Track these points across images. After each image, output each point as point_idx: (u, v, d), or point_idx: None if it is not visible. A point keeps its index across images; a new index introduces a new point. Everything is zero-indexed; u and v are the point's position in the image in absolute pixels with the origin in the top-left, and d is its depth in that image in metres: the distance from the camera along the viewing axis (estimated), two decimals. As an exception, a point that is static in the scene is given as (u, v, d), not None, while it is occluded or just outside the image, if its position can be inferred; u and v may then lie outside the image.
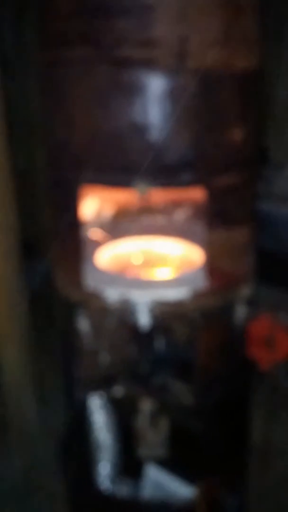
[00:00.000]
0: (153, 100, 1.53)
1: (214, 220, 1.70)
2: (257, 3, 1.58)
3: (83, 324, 1.79)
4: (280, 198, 3.02)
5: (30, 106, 4.30)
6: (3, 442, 2.88)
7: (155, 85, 1.51)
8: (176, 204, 2.27)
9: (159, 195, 2.21)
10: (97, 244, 2.12)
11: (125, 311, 1.73)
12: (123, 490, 2.16)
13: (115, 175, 1.64)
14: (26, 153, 4.38)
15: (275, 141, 3.44)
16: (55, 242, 1.92)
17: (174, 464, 2.13)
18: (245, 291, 1.89)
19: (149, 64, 1.49)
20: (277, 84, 3.09)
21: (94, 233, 2.19)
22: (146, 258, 2.17)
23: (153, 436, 2.15)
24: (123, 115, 1.56)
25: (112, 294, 1.75)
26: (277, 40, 2.91)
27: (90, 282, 1.79)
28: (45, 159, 4.32)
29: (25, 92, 4.28)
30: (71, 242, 1.82)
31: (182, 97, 1.53)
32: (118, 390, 1.89)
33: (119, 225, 2.28)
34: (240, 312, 1.88)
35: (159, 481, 2.11)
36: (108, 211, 2.24)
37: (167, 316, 1.73)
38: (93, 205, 2.17)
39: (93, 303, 1.77)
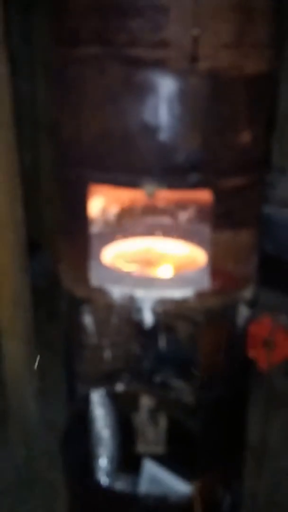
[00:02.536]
0: (163, 101, 1.50)
1: (219, 222, 1.67)
2: (270, 8, 1.55)
3: (87, 320, 1.77)
4: (282, 203, 3.01)
5: (37, 104, 4.30)
6: (4, 434, 2.86)
7: (166, 85, 1.48)
8: (181, 205, 2.24)
9: (164, 195, 2.18)
10: (102, 241, 2.10)
11: (129, 308, 1.71)
12: (121, 484, 2.14)
13: (123, 175, 1.62)
14: (32, 150, 4.37)
15: (278, 146, 3.42)
16: (61, 239, 1.90)
17: (172, 460, 2.11)
18: (248, 292, 1.86)
19: (161, 64, 1.46)
20: (279, 88, 3.06)
21: (99, 231, 2.17)
22: (151, 257, 2.15)
23: (152, 432, 2.13)
24: (132, 115, 1.54)
25: (117, 291, 1.72)
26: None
27: (95, 278, 1.77)
28: (50, 156, 4.34)
29: (32, 90, 4.27)
30: (76, 239, 1.80)
31: (193, 99, 1.50)
32: (120, 386, 1.86)
33: (124, 224, 2.25)
34: (242, 313, 1.85)
35: (156, 476, 2.09)
36: (113, 210, 2.22)
37: (170, 314, 1.71)
38: (98, 203, 2.14)
39: (98, 300, 1.74)
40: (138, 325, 1.72)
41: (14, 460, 2.77)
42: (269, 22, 1.57)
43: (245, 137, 1.62)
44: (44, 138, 4.35)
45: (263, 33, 1.55)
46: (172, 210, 2.25)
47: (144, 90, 1.49)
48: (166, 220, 2.27)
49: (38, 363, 2.89)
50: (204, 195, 1.71)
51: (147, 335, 1.73)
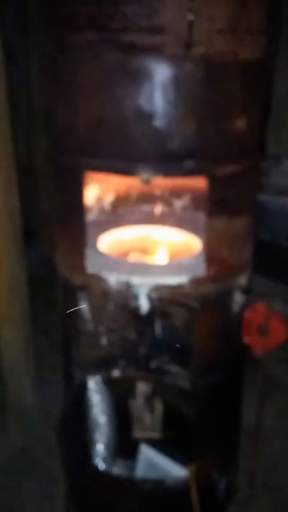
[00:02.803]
0: (159, 87, 1.49)
1: (214, 209, 1.67)
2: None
3: (83, 306, 1.76)
4: (276, 191, 3.02)
5: (31, 93, 4.28)
6: (1, 421, 2.86)
7: (161, 71, 1.47)
8: (177, 192, 2.24)
9: (160, 182, 2.18)
10: (98, 229, 2.09)
11: (125, 295, 1.71)
12: (118, 469, 2.15)
13: (118, 162, 1.61)
14: (27, 139, 4.36)
15: (273, 135, 3.43)
16: (57, 227, 1.89)
17: (168, 445, 2.12)
18: (243, 279, 1.86)
19: (156, 50, 1.45)
20: (275, 77, 3.06)
21: (95, 219, 2.16)
22: (147, 245, 2.14)
23: (148, 418, 2.13)
24: (128, 102, 1.53)
25: (113, 278, 1.72)
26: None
27: (92, 266, 1.76)
28: (45, 145, 4.32)
29: (27, 79, 4.25)
30: (73, 227, 1.79)
31: (187, 85, 1.49)
32: (116, 372, 1.86)
33: (120, 212, 2.25)
34: (237, 299, 1.85)
35: (153, 461, 2.10)
36: (109, 198, 2.21)
37: (166, 300, 1.71)
38: (93, 191, 2.14)
39: (94, 287, 1.74)
40: (134, 311, 1.72)
41: (11, 446, 2.78)
42: (263, 9, 1.57)
43: (240, 123, 1.61)
44: (39, 127, 4.33)
45: (258, 19, 1.55)
46: (167, 197, 2.25)
47: (139, 76, 1.48)
48: (161, 207, 2.26)
49: (35, 350, 2.89)
50: (199, 182, 1.70)
51: (143, 322, 1.73)
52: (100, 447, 2.08)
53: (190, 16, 1.41)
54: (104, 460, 2.09)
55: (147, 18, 1.41)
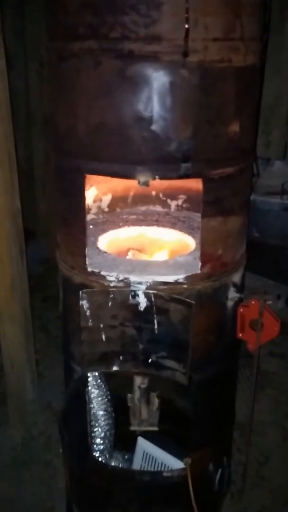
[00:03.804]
0: (156, 93, 1.51)
1: (209, 209, 1.70)
2: (257, 2, 1.57)
3: (83, 304, 1.78)
4: (265, 191, 3.06)
5: (29, 98, 4.29)
6: (4, 415, 2.88)
7: (158, 78, 1.50)
8: (172, 193, 2.26)
9: (157, 184, 2.20)
10: (98, 229, 2.12)
11: (124, 293, 1.73)
12: (117, 461, 2.17)
13: (117, 165, 1.63)
14: (25, 142, 4.37)
15: (262, 138, 3.47)
16: (58, 227, 1.91)
17: (165, 438, 2.14)
18: (236, 276, 1.89)
19: (154, 58, 1.47)
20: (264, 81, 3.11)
21: (94, 219, 2.19)
22: (144, 244, 2.17)
23: (145, 411, 2.16)
24: (126, 107, 1.55)
25: (112, 276, 1.74)
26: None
27: (91, 264, 1.79)
28: (43, 148, 4.33)
29: (25, 84, 4.26)
30: (73, 227, 1.81)
31: (184, 91, 1.52)
32: (115, 367, 1.88)
33: (118, 213, 2.27)
34: (231, 296, 1.88)
35: (150, 453, 2.12)
36: (107, 198, 2.24)
37: (164, 297, 1.73)
38: (91, 192, 2.16)
39: (94, 284, 1.76)
40: (132, 308, 1.75)
41: (13, 439, 2.80)
42: (256, 17, 1.60)
43: (234, 127, 1.64)
44: (37, 132, 4.35)
45: (251, 27, 1.58)
46: (163, 198, 2.28)
47: (138, 83, 1.51)
48: (158, 208, 2.29)
49: (34, 346, 2.91)
50: (195, 183, 1.72)
51: (141, 318, 1.76)
52: (99, 440, 2.11)
53: (187, 25, 1.44)
54: (103, 452, 2.11)
55: (145, 28, 1.44)
